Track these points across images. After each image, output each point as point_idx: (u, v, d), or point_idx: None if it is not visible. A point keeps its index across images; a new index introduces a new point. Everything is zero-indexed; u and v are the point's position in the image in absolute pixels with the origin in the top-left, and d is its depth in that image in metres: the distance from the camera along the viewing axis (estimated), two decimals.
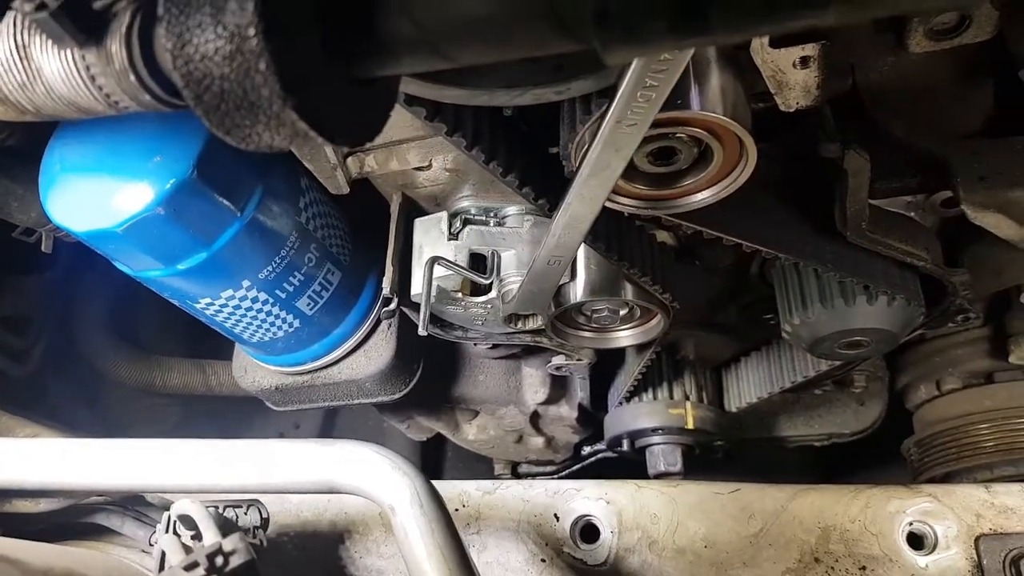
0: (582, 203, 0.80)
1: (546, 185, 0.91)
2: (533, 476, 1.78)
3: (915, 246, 1.01)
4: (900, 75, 0.94)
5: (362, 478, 0.83)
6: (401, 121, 0.99)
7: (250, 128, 0.50)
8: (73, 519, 1.12)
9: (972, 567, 1.09)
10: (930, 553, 1.11)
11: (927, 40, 0.83)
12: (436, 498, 0.80)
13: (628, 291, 1.08)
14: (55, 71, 0.63)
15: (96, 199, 0.92)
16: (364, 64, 0.50)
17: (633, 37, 0.41)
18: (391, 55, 0.49)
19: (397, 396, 1.30)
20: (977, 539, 1.10)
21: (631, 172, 0.84)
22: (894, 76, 0.94)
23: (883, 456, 1.69)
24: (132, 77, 0.59)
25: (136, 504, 1.13)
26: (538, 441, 1.62)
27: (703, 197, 0.85)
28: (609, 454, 1.61)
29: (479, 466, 1.89)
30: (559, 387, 1.50)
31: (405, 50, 0.49)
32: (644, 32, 0.40)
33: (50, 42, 0.61)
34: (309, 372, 1.26)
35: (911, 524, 1.13)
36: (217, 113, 0.49)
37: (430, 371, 1.35)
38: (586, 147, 0.77)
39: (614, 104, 0.66)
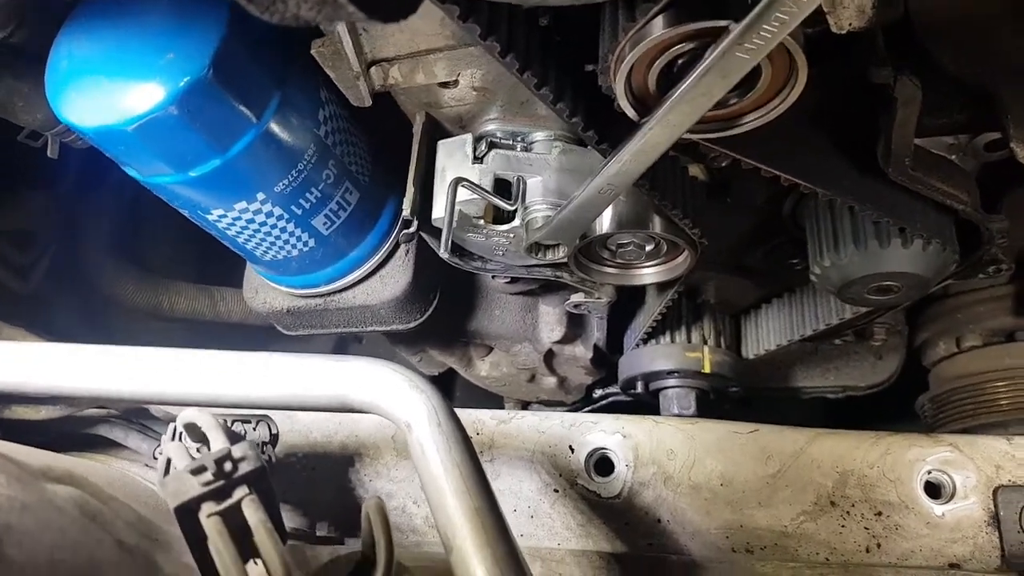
0: (665, 129, 0.73)
1: (580, 103, 0.86)
2: None
3: (956, 188, 0.98)
4: (954, 2, 0.89)
5: (378, 394, 0.80)
6: (429, 29, 0.94)
7: None
8: (75, 430, 1.10)
9: (988, 517, 1.09)
10: (947, 502, 1.10)
11: None
12: (453, 416, 0.78)
13: (657, 224, 1.04)
14: None
15: (106, 96, 0.88)
16: None
17: None
18: None
19: (412, 325, 1.27)
20: (996, 490, 1.09)
21: None
22: (947, 3, 0.89)
23: (891, 414, 1.68)
24: None
25: (140, 417, 1.11)
26: (551, 381, 1.60)
27: (749, 120, 0.80)
28: (621, 397, 1.60)
29: (488, 407, 1.88)
30: (576, 326, 1.47)
31: None
32: None
33: None
34: (322, 295, 1.22)
35: (930, 472, 1.12)
36: None
37: (446, 302, 1.32)
38: (627, 59, 0.73)
39: (744, 22, 0.59)
